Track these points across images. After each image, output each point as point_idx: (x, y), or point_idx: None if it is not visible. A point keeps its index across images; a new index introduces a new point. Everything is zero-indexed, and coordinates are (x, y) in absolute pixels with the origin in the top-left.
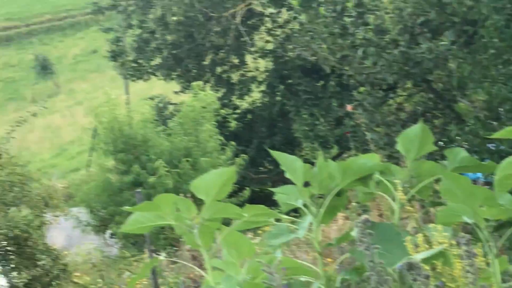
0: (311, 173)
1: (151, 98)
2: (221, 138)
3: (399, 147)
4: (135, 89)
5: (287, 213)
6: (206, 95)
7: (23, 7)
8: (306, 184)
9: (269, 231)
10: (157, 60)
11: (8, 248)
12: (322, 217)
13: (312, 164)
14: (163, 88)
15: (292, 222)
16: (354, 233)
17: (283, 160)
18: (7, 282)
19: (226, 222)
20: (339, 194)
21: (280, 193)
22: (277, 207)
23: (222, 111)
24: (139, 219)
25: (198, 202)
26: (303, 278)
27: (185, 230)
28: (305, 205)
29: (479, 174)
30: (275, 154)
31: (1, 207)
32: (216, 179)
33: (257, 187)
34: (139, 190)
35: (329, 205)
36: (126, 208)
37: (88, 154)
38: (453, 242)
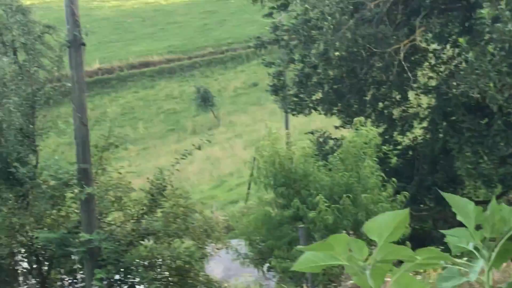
0: (483, 216)
1: (311, 133)
2: (382, 174)
3: None
4: (294, 123)
5: (454, 256)
6: (368, 131)
7: (186, 40)
8: (477, 227)
9: (441, 274)
10: (318, 95)
11: (170, 278)
12: (494, 261)
13: (476, 203)
14: (322, 122)
15: (456, 264)
16: None
17: (454, 202)
18: None
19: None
20: (511, 238)
21: (451, 236)
22: (436, 245)
23: (384, 147)
24: (311, 258)
25: (366, 241)
26: None
27: (356, 271)
28: (476, 248)
29: None
30: (446, 196)
31: (164, 238)
32: (389, 221)
33: (417, 224)
34: (302, 226)
35: (501, 249)
36: (299, 247)
37: (247, 186)
38: None
